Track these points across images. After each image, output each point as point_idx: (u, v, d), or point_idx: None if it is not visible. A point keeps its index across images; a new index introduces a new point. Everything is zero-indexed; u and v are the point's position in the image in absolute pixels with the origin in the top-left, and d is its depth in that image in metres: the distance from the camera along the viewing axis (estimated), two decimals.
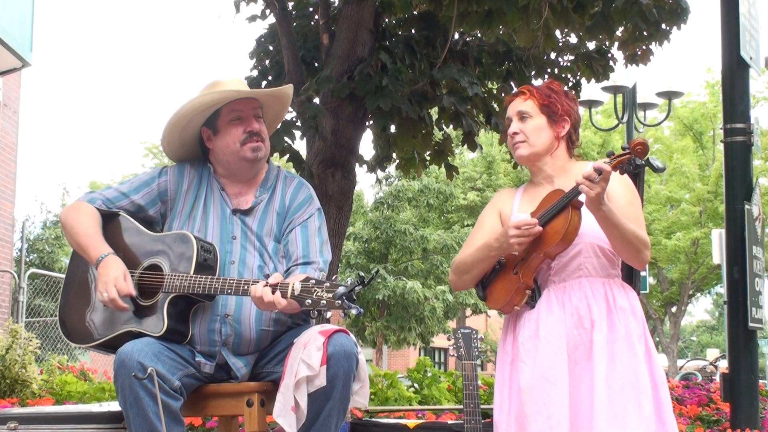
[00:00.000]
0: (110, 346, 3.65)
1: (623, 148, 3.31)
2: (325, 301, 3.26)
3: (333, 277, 3.35)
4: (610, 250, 3.52)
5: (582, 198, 3.35)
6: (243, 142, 3.77)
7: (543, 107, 3.60)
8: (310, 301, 3.28)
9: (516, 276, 3.51)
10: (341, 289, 3.24)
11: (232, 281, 3.51)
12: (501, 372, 3.62)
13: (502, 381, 3.60)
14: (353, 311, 3.24)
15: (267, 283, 3.41)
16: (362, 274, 3.33)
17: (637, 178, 3.70)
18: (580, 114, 3.72)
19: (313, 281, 3.32)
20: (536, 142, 3.60)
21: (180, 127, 3.83)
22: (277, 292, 3.37)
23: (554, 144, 3.61)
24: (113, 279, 3.56)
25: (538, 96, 3.62)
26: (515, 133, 3.62)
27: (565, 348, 3.44)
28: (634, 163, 3.28)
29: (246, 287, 3.46)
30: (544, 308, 3.51)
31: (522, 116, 3.62)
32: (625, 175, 3.37)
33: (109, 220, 3.83)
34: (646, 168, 3.34)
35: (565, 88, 3.76)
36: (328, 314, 3.37)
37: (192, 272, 3.55)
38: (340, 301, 3.23)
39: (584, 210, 3.39)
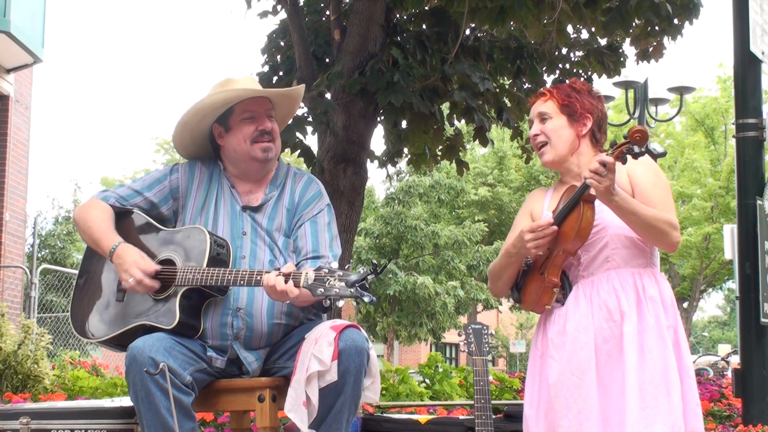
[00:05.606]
0: (122, 343, 3.65)
1: (624, 137, 3.30)
2: (337, 290, 3.24)
3: (346, 267, 3.33)
4: (639, 239, 3.50)
5: (593, 191, 3.34)
6: (254, 140, 3.78)
7: (563, 107, 3.59)
8: (322, 289, 3.26)
9: (542, 276, 3.51)
10: (354, 277, 3.23)
11: (245, 272, 3.51)
12: (532, 367, 3.64)
13: (533, 376, 3.61)
14: (366, 299, 3.22)
15: (280, 272, 3.41)
16: (375, 262, 3.32)
17: None
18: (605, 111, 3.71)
19: (326, 270, 3.30)
20: (558, 142, 3.59)
21: (192, 124, 3.84)
22: (290, 282, 3.37)
23: (576, 143, 3.60)
24: (133, 262, 3.59)
25: (558, 96, 3.61)
26: (536, 135, 3.63)
27: (592, 343, 3.43)
28: (633, 151, 3.26)
29: (259, 278, 3.46)
30: (571, 304, 3.51)
31: (542, 117, 3.63)
32: (647, 156, 3.33)
33: (122, 217, 3.85)
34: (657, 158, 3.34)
35: (590, 84, 3.75)
36: (340, 303, 3.35)
37: (205, 266, 3.56)
38: (353, 289, 3.22)
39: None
